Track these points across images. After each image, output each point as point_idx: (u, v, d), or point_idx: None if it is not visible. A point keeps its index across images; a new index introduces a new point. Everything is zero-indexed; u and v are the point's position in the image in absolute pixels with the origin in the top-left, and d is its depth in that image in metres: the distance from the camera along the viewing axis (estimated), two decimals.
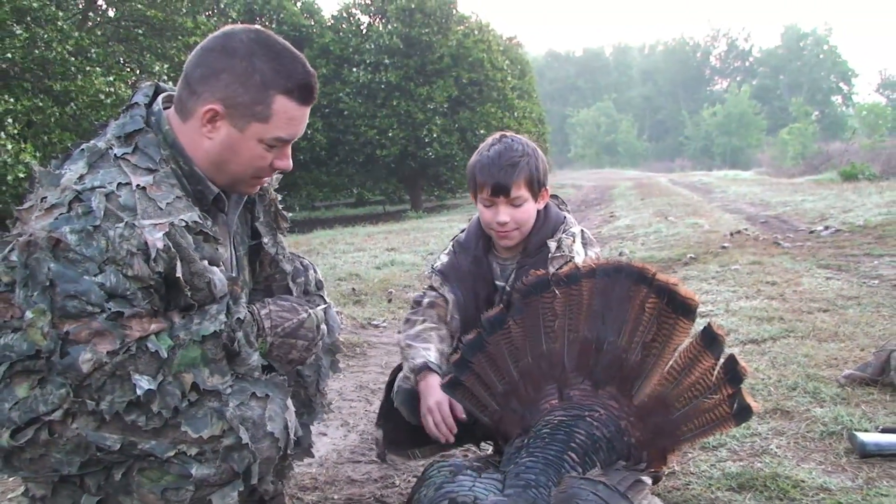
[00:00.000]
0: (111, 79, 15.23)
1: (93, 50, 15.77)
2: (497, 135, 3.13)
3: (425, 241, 13.63)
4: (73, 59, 14.70)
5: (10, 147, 12.51)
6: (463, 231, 3.28)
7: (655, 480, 2.70)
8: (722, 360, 2.54)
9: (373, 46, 29.66)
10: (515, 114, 31.94)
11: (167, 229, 2.06)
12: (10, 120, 13.16)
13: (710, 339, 2.55)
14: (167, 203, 2.12)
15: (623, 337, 2.62)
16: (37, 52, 14.16)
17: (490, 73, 30.79)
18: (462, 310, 3.14)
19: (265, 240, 2.59)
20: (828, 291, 7.14)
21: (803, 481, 3.19)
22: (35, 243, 1.97)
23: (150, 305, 2.03)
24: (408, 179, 31.26)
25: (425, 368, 2.98)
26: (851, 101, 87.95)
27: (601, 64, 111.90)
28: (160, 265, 2.03)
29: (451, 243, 3.28)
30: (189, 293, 2.10)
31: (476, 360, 2.77)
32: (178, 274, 2.06)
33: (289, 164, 2.35)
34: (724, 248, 10.38)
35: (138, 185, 2.09)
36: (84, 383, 1.95)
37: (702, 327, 2.56)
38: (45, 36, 14.28)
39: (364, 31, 31.11)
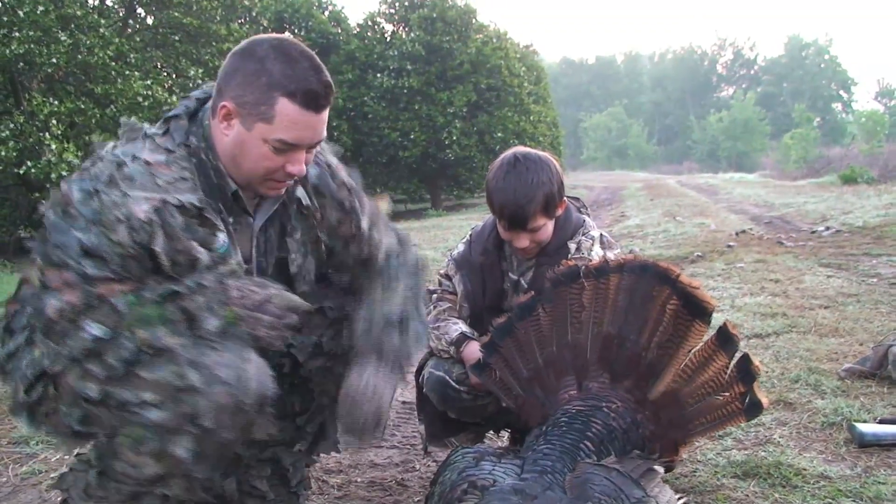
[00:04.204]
0: (149, 82, 15.30)
1: (132, 55, 15.84)
2: (511, 156, 3.01)
3: (445, 238, 13.63)
4: (113, 63, 14.77)
5: (54, 147, 12.60)
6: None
7: (668, 470, 2.69)
8: (736, 359, 2.52)
9: (396, 53, 29.68)
10: (531, 118, 31.86)
11: (157, 205, 2.07)
12: (54, 121, 13.26)
13: (725, 339, 2.52)
14: (167, 182, 2.13)
15: (643, 335, 2.59)
16: (80, 57, 14.24)
17: (507, 79, 30.74)
18: (471, 300, 3.13)
19: (292, 255, 2.48)
20: (828, 289, 7.10)
21: (805, 469, 3.18)
22: (54, 198, 2.09)
23: (126, 272, 2.04)
24: (428, 179, 31.26)
25: (464, 338, 2.99)
26: (851, 109, 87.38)
27: (613, 71, 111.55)
28: (141, 236, 2.04)
29: (469, 233, 3.26)
30: (170, 267, 2.10)
31: (505, 344, 2.76)
32: (157, 248, 2.07)
33: (301, 169, 2.24)
34: (729, 246, 10.34)
35: (146, 161, 2.13)
36: (50, 329, 1.98)
37: (718, 327, 2.54)
38: (88, 42, 14.35)
39: (388, 39, 31.13)
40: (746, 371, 2.50)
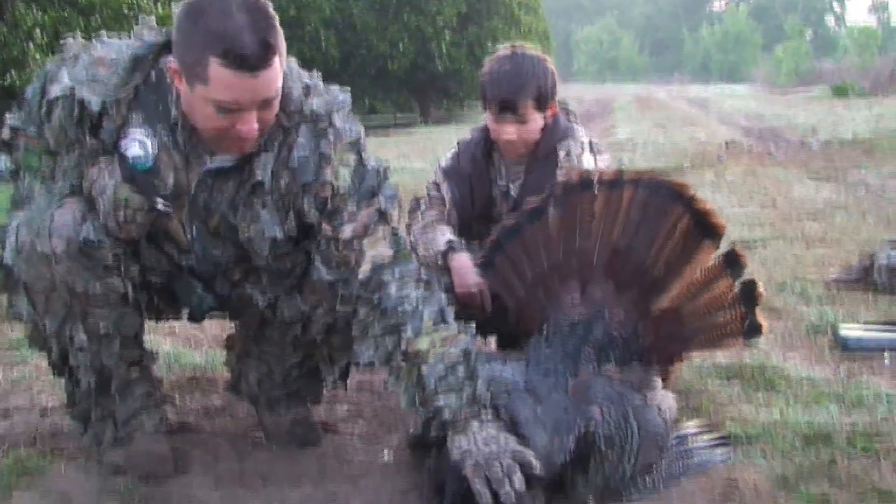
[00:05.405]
0: None
1: None
2: (508, 49, 3.03)
3: (434, 150, 13.55)
4: None
5: (38, 57, 12.39)
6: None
7: (662, 382, 2.73)
8: (740, 282, 2.59)
9: None
10: (521, 29, 31.42)
11: (66, 91, 2.19)
12: (38, 32, 13.02)
13: (732, 262, 2.60)
14: (90, 78, 2.21)
15: (652, 250, 2.66)
16: None
17: None
18: (459, 208, 3.12)
19: (242, 225, 2.33)
20: (817, 199, 7.14)
21: (789, 373, 3.21)
22: None
23: (39, 132, 2.25)
24: (417, 91, 30.94)
25: (450, 248, 2.98)
26: (844, 23, 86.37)
27: None
28: (48, 108, 2.22)
29: (457, 143, 3.25)
30: (59, 146, 2.25)
31: (511, 245, 2.80)
32: (45, 127, 2.23)
33: (249, 129, 2.12)
34: (719, 158, 10.33)
35: (95, 53, 2.25)
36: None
37: (726, 249, 2.61)
38: None
39: None
40: (750, 295, 2.58)
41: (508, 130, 2.96)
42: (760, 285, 2.62)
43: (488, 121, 3.05)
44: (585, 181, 2.75)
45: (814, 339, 3.65)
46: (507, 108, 2.94)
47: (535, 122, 2.99)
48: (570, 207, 2.73)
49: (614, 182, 2.72)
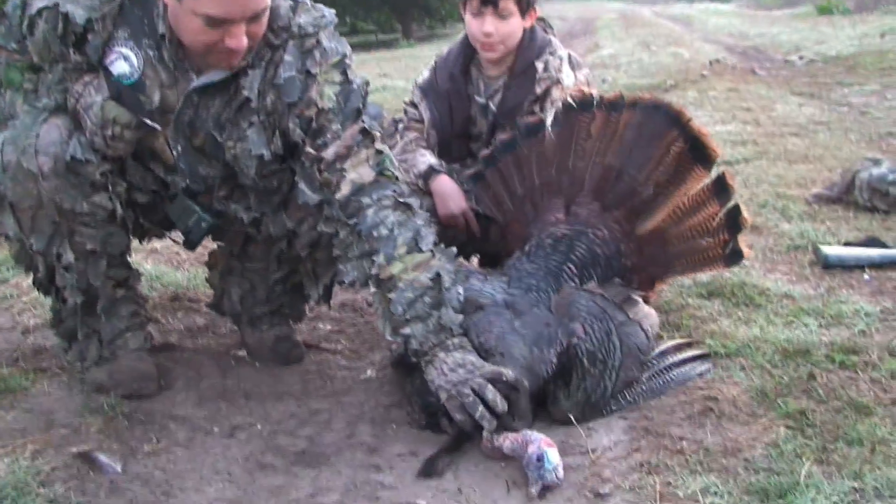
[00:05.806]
0: None
1: None
2: None
3: (416, 68, 13.38)
4: None
5: None
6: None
7: (644, 302, 2.75)
8: (726, 208, 2.62)
9: None
10: None
11: (49, 5, 2.17)
12: None
13: (721, 188, 2.63)
14: None
15: (643, 172, 2.68)
16: None
17: None
18: (438, 127, 3.09)
19: (229, 143, 2.33)
20: (800, 117, 7.12)
21: (769, 289, 3.23)
22: None
23: (23, 48, 2.23)
24: (399, 9, 30.53)
25: (432, 171, 2.96)
26: None
27: None
28: (30, 23, 2.20)
29: (434, 59, 3.20)
30: (42, 61, 2.24)
31: (504, 160, 2.82)
32: (28, 41, 2.21)
33: (238, 43, 2.11)
34: (702, 76, 10.29)
35: None
36: None
37: (716, 176, 2.64)
38: None
39: None
40: (734, 221, 2.61)
41: (488, 27, 2.91)
42: (746, 212, 2.64)
43: (468, 20, 3.00)
44: (586, 101, 2.76)
45: (794, 256, 3.66)
46: (488, 1, 2.89)
47: (515, 23, 2.94)
48: (568, 126, 2.75)
49: (614, 104, 2.75)
